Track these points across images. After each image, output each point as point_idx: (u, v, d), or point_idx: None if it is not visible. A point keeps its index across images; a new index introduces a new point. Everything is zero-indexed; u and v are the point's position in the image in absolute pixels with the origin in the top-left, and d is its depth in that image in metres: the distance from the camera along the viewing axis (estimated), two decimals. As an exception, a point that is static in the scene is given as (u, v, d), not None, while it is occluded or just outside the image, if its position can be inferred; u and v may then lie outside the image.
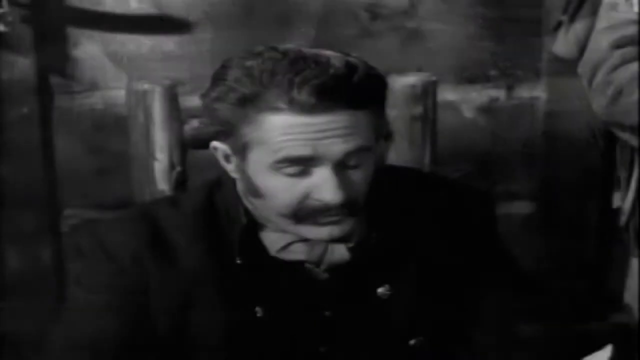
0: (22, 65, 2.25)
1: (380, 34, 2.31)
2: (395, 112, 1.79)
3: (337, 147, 1.23)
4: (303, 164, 1.25)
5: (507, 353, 1.33)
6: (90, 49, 2.29)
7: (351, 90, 1.22)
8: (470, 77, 2.36)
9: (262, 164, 1.26)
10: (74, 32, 2.29)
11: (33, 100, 2.28)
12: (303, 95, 1.20)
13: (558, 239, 2.41)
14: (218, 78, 1.28)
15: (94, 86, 2.31)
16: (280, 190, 1.27)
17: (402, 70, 1.94)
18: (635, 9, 1.64)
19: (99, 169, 2.35)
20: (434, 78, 1.81)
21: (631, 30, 1.64)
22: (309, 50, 1.26)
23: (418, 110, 1.79)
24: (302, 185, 1.26)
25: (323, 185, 1.25)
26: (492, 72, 2.36)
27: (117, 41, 2.29)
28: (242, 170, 1.31)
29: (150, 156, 1.76)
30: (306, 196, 1.26)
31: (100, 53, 2.30)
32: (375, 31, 2.31)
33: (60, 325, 1.36)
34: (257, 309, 1.34)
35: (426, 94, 1.79)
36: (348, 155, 1.25)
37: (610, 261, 2.43)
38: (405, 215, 1.40)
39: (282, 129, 1.22)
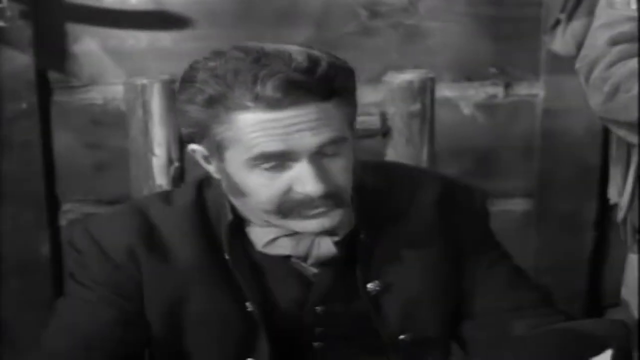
0: (21, 60, 2.26)
1: (379, 31, 2.32)
2: (393, 108, 1.80)
3: (309, 140, 1.24)
4: (279, 159, 1.25)
5: (501, 349, 1.33)
6: (89, 44, 2.30)
7: (316, 81, 1.23)
8: (468, 74, 2.36)
9: (239, 162, 1.27)
10: (73, 27, 2.29)
11: (32, 95, 2.28)
12: (268, 91, 1.21)
13: (555, 235, 2.42)
14: (186, 80, 1.29)
15: (92, 81, 2.32)
16: (261, 186, 1.27)
17: (401, 68, 1.95)
18: (633, 6, 1.64)
19: (97, 164, 2.35)
20: (431, 75, 1.82)
21: (628, 27, 1.63)
22: (270, 46, 1.27)
23: (416, 106, 1.79)
24: (282, 179, 1.26)
25: (303, 178, 1.25)
26: (491, 70, 2.36)
27: (116, 37, 2.29)
28: (222, 170, 1.31)
29: (148, 151, 1.77)
30: (288, 190, 1.26)
31: (99, 49, 2.30)
32: (374, 29, 2.32)
33: (56, 318, 1.37)
34: (247, 303, 1.34)
35: (424, 90, 1.80)
36: (322, 147, 1.25)
37: (607, 257, 2.44)
38: (394, 212, 1.40)
39: (252, 126, 1.23)
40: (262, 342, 1.35)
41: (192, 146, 1.33)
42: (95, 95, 2.32)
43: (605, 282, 2.45)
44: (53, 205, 2.38)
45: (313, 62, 1.23)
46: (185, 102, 1.28)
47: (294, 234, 1.33)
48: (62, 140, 2.35)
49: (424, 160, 1.80)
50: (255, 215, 1.34)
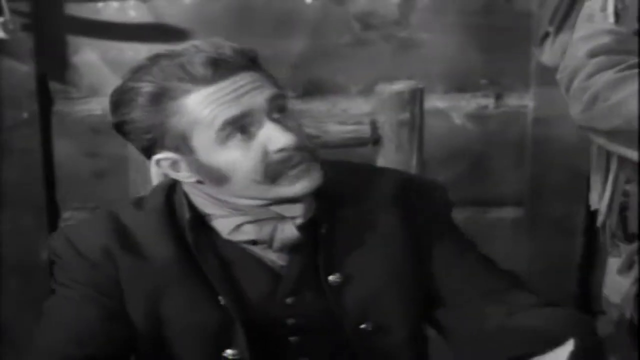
0: (23, 71, 2.30)
1: (372, 43, 2.35)
2: (384, 117, 1.83)
3: (260, 97, 1.33)
4: (242, 124, 1.32)
5: (477, 336, 1.37)
6: (89, 56, 2.34)
7: (233, 55, 1.33)
8: (460, 85, 2.39)
9: (209, 143, 1.33)
10: (73, 39, 2.33)
11: (33, 104, 2.32)
12: (199, 70, 1.31)
13: (547, 240, 2.45)
14: (118, 95, 1.38)
15: (92, 92, 2.36)
16: (239, 160, 1.33)
17: (393, 78, 1.99)
18: (610, 19, 1.68)
19: (96, 172, 2.39)
20: (420, 85, 1.86)
21: (606, 39, 1.67)
22: (177, 46, 1.37)
23: (405, 115, 1.83)
24: (255, 146, 1.33)
25: (272, 135, 1.32)
26: (482, 81, 2.39)
27: (116, 48, 2.33)
28: (196, 163, 1.36)
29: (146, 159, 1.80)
30: (265, 154, 1.33)
31: (99, 60, 2.34)
32: (367, 40, 2.35)
33: (46, 318, 1.41)
34: (219, 297, 1.38)
35: (413, 100, 1.84)
36: (272, 100, 1.33)
37: (598, 262, 2.46)
38: (354, 204, 1.45)
39: (202, 102, 1.31)
40: (239, 335, 1.38)
41: (156, 157, 1.38)
42: (95, 106, 2.36)
43: (596, 286, 2.46)
44: (53, 211, 2.42)
45: (220, 45, 1.34)
46: (128, 113, 1.36)
47: (257, 220, 1.37)
48: (62, 149, 2.39)
49: (413, 167, 1.83)
50: (223, 204, 1.38)
